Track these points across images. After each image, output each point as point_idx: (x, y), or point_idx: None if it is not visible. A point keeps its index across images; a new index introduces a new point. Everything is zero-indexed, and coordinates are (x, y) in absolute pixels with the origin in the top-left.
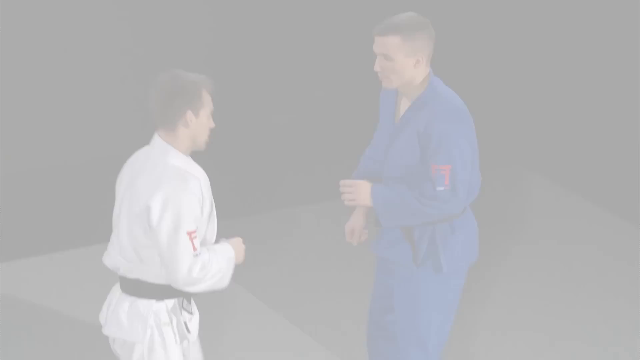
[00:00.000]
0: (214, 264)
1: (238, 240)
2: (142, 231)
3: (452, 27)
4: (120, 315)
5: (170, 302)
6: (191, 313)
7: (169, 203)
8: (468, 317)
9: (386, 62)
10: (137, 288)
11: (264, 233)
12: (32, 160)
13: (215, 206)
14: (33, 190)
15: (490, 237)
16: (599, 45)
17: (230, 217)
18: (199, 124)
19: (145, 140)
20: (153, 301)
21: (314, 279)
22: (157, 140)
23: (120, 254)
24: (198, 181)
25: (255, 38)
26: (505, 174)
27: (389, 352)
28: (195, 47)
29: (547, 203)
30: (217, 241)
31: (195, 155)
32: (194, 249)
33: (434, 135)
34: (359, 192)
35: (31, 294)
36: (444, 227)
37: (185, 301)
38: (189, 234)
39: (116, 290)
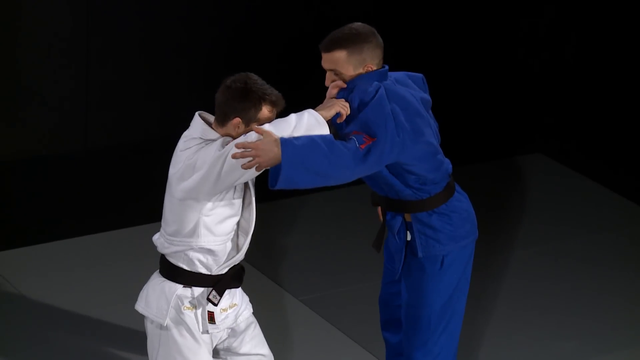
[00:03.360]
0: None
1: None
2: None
3: (475, 13)
4: (149, 293)
5: (197, 290)
6: (216, 305)
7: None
8: (483, 303)
9: (336, 76)
10: (169, 271)
11: (278, 219)
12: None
13: None
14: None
15: (507, 223)
16: (621, 30)
17: None
18: (245, 133)
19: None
20: (180, 286)
21: (329, 263)
22: (197, 123)
23: (164, 222)
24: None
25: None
26: (524, 160)
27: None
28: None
29: (565, 189)
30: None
31: None
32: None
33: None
34: (265, 149)
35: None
36: (420, 213)
37: (213, 292)
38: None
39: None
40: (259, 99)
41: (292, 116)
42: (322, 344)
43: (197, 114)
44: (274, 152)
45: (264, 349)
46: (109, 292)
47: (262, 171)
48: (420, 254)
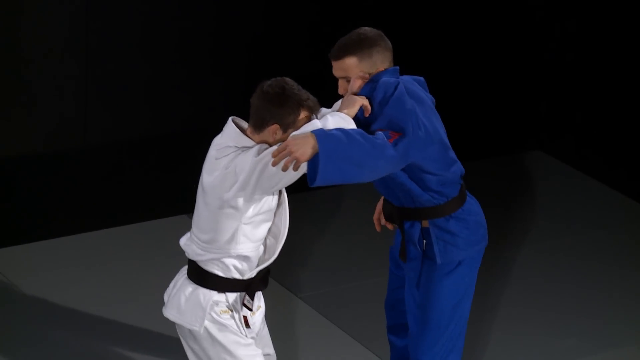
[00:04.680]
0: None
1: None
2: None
3: (474, 11)
4: (181, 300)
5: (232, 296)
6: (251, 310)
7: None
8: (487, 301)
9: (348, 84)
10: (201, 277)
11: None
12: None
13: None
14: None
15: (507, 221)
16: (621, 28)
17: None
18: (284, 138)
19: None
20: (215, 292)
21: (334, 261)
22: (231, 129)
23: (197, 229)
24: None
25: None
26: (524, 158)
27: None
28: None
29: (566, 187)
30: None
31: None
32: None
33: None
34: (300, 142)
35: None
36: (438, 219)
37: (247, 297)
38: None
39: (182, 272)
40: (298, 105)
41: (316, 120)
42: (322, 342)
43: (230, 119)
44: (309, 144)
45: (271, 348)
46: (108, 290)
47: (301, 174)
48: (439, 261)
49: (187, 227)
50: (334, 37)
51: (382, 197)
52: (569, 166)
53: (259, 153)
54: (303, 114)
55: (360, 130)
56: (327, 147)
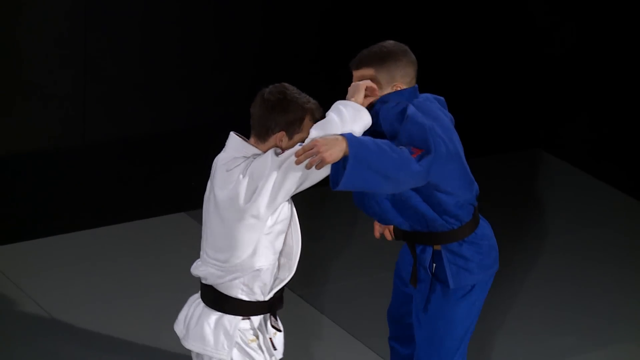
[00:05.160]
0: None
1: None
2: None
3: (474, 8)
4: (205, 330)
5: (256, 320)
6: (280, 330)
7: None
8: (486, 299)
9: (367, 95)
10: (224, 303)
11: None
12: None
13: None
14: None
15: (507, 219)
16: (620, 25)
17: None
18: (290, 145)
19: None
20: (239, 317)
21: (334, 259)
22: (236, 142)
23: (213, 250)
24: None
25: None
26: (524, 156)
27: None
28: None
29: (565, 185)
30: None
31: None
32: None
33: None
34: (329, 143)
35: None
36: (451, 244)
37: (272, 318)
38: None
39: (195, 301)
40: (302, 110)
41: (331, 114)
42: (319, 339)
43: (232, 133)
44: (339, 146)
45: None
46: (106, 287)
47: (324, 176)
48: (452, 285)
49: (186, 225)
50: (332, 34)
51: None
52: (566, 163)
53: (276, 155)
54: (307, 118)
55: (387, 141)
56: (357, 153)
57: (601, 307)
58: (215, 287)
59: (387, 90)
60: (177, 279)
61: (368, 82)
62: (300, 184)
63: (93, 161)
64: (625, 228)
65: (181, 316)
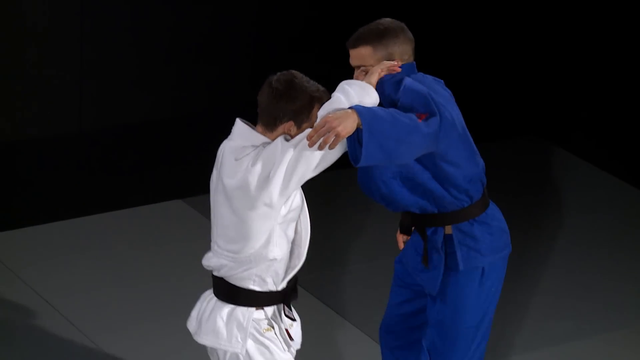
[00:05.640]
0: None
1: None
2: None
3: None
4: (218, 324)
5: (269, 310)
6: (294, 319)
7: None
8: None
9: (364, 75)
10: (236, 295)
11: None
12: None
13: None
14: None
15: (501, 206)
16: (616, 15)
17: None
18: (298, 134)
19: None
20: (252, 309)
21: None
22: (243, 129)
23: (224, 240)
24: None
25: None
26: (518, 142)
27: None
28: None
29: (561, 171)
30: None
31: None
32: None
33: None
34: (341, 117)
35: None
36: (462, 223)
37: (286, 307)
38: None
39: (207, 297)
40: (310, 98)
41: (337, 95)
42: (316, 325)
43: (238, 120)
44: (351, 117)
45: None
46: (104, 274)
47: (339, 156)
48: (461, 267)
49: (182, 212)
50: (326, 18)
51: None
52: (561, 149)
53: (286, 141)
54: (316, 107)
55: (393, 108)
56: (370, 122)
57: (598, 292)
58: (226, 279)
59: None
60: (173, 265)
61: (391, 63)
62: (314, 168)
63: (89, 149)
64: (621, 213)
65: (194, 313)
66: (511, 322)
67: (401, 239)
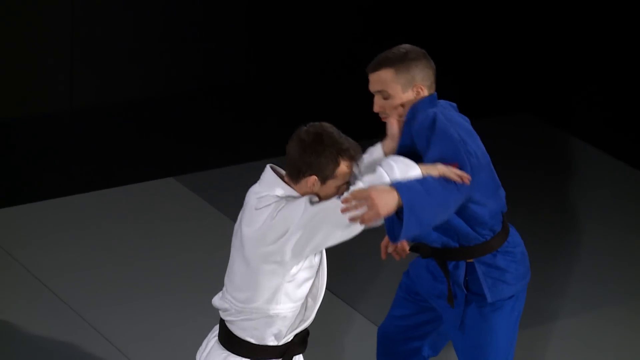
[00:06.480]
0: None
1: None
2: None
3: None
4: None
5: None
6: None
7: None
8: None
9: (385, 101)
10: (233, 343)
11: None
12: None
13: None
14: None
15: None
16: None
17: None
18: (323, 191)
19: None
20: None
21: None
22: (270, 177)
23: (231, 286)
24: None
25: None
26: (511, 120)
27: None
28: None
29: (554, 150)
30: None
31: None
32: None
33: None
34: (383, 193)
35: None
36: (484, 256)
37: None
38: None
39: (214, 332)
40: (336, 155)
41: (380, 170)
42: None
43: (268, 167)
44: (391, 195)
45: None
46: (96, 252)
47: (357, 233)
48: (489, 299)
49: (174, 190)
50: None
51: None
52: (555, 128)
53: (311, 203)
54: (343, 164)
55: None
56: (410, 201)
57: (586, 270)
58: (227, 324)
59: (409, 92)
60: (164, 243)
61: (453, 168)
62: (333, 239)
63: (81, 126)
64: (614, 190)
65: (204, 342)
66: None
67: (386, 246)
